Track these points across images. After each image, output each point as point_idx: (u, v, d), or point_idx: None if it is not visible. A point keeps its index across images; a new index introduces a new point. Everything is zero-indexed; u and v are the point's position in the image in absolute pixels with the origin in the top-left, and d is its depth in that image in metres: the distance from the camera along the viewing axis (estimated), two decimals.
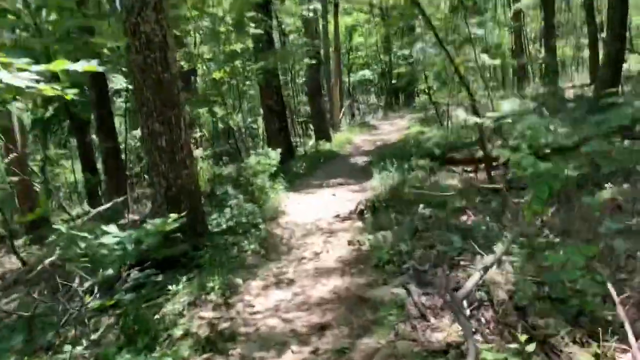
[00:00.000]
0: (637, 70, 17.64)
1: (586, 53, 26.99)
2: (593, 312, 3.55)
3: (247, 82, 13.30)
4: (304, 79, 18.23)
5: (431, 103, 16.30)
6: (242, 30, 11.89)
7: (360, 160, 13.77)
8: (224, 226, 7.50)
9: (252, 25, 11.25)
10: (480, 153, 9.96)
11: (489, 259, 4.21)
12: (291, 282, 5.30)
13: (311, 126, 20.87)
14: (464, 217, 7.13)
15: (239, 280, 5.35)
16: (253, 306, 4.75)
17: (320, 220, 7.63)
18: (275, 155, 9.37)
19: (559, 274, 3.70)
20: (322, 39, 18.05)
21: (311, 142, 18.39)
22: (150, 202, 10.09)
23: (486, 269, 3.87)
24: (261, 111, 15.80)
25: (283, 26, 16.95)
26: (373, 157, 13.64)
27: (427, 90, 32.95)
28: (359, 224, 7.25)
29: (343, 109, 21.96)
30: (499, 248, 4.52)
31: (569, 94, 16.55)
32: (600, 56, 17.58)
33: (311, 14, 16.13)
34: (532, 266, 4.15)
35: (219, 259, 6.02)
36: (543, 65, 23.59)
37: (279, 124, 13.83)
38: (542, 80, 21.26)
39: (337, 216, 7.74)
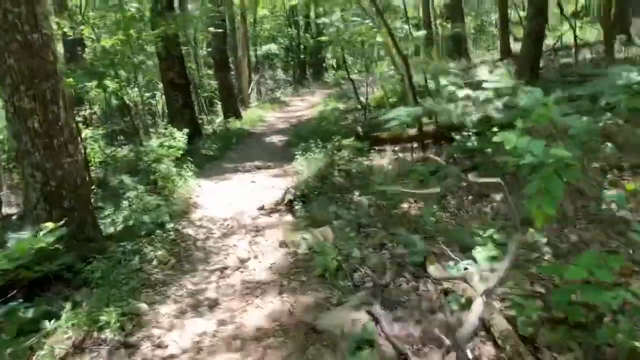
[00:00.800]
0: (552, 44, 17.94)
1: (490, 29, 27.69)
2: (622, 343, 2.74)
3: (144, 52, 11.48)
4: (208, 50, 16.55)
5: (347, 77, 15.35)
6: None
7: (277, 139, 12.59)
8: (121, 227, 6.05)
9: None
10: (411, 132, 9.22)
11: (488, 276, 3.29)
12: (214, 304, 4.08)
13: (218, 102, 19.26)
14: (405, 205, 6.28)
15: (144, 306, 4.04)
16: (165, 346, 3.50)
17: (242, 213, 6.41)
18: (181, 136, 7.94)
19: (569, 292, 2.86)
20: (227, 6, 16.41)
21: (219, 119, 16.84)
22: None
23: (489, 292, 2.93)
24: (160, 85, 14.00)
25: None
26: (290, 136, 12.52)
27: (339, 65, 32.31)
28: (289, 217, 6.13)
29: (252, 84, 20.50)
30: (493, 260, 3.63)
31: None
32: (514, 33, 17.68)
33: None
34: (531, 280, 3.30)
35: (116, 274, 4.63)
36: (450, 41, 23.64)
37: (183, 99, 12.21)
38: (452, 56, 21.20)
39: (262, 208, 6.56)
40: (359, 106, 15.39)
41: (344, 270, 4.19)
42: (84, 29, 11.35)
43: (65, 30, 12.39)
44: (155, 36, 10.87)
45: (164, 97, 13.40)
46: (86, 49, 13.37)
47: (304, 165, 8.47)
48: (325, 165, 8.16)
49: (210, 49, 16.11)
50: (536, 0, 11.14)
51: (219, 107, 19.26)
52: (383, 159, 8.75)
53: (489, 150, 6.63)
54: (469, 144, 6.81)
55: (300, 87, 25.75)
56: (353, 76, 22.03)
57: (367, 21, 9.61)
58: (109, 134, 20.29)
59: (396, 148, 9.34)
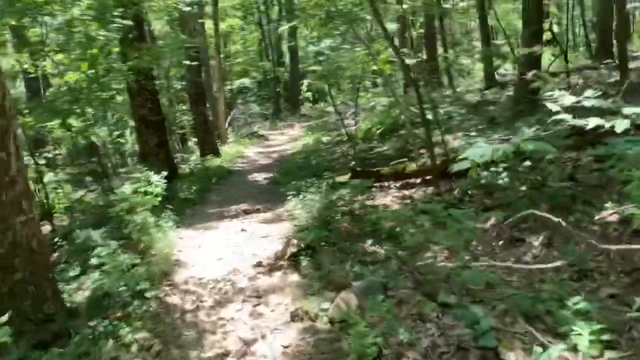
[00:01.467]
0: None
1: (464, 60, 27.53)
2: None
3: (113, 87, 10.47)
4: (182, 84, 15.62)
5: (334, 109, 14.58)
6: (104, 20, 9.15)
7: (261, 177, 11.61)
8: (90, 295, 4.95)
9: (119, 11, 8.58)
10: (413, 166, 8.37)
11: None
12: None
13: (193, 139, 18.22)
14: (429, 255, 5.36)
15: None
16: None
17: (236, 273, 5.36)
18: (158, 181, 6.90)
19: None
20: (202, 38, 15.59)
21: (195, 157, 15.78)
22: None
23: None
24: (132, 123, 12.93)
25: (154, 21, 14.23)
26: (276, 173, 11.57)
27: (315, 98, 31.72)
28: (295, 276, 5.11)
29: (229, 119, 19.56)
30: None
31: (470, 98, 15.88)
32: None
33: (188, 8, 13.70)
34: None
35: None
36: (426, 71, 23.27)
37: (157, 137, 11.16)
38: (431, 85, 20.73)
39: (260, 265, 5.53)
40: (345, 139, 14.61)
41: (386, 358, 3.20)
42: (45, 65, 10.33)
43: (25, 66, 11.34)
44: (127, 69, 9.89)
45: (134, 135, 12.31)
46: (50, 87, 12.28)
47: (300, 208, 7.50)
48: (324, 207, 7.21)
49: (184, 82, 15.18)
50: (531, 24, 10.64)
51: (194, 143, 18.27)
52: (387, 197, 7.86)
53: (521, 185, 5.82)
54: (500, 180, 5.96)
55: (277, 120, 24.95)
56: (332, 108, 21.44)
57: (358, 49, 8.86)
58: (76, 176, 18.94)
59: (397, 185, 8.48)
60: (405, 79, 10.21)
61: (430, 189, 7.82)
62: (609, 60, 14.87)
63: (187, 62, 13.39)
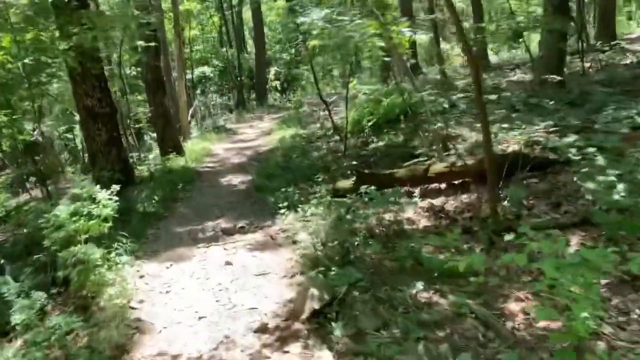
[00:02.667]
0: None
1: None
2: None
3: (49, 69, 8.30)
4: (137, 70, 13.40)
5: (319, 97, 12.76)
6: None
7: (237, 180, 9.65)
8: None
9: None
10: (437, 168, 6.63)
11: None
12: None
13: (150, 134, 16.00)
14: (514, 307, 3.66)
15: None
16: None
17: (228, 345, 3.50)
18: (108, 198, 4.92)
19: None
20: (158, 15, 13.39)
21: (153, 156, 13.63)
22: None
23: None
24: (78, 117, 10.72)
25: None
26: (254, 175, 9.65)
27: (284, 87, 29.68)
28: (326, 354, 3.30)
29: (191, 110, 17.38)
30: None
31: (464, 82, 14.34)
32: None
33: None
34: None
35: None
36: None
37: (108, 134, 9.04)
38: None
39: (264, 330, 3.67)
40: (330, 132, 12.81)
41: None
42: None
43: None
44: (66, 48, 7.76)
45: (82, 130, 10.15)
46: None
47: (301, 228, 5.67)
48: (334, 226, 5.42)
49: (140, 69, 12.99)
50: None
51: (150, 139, 16.01)
52: (409, 209, 6.12)
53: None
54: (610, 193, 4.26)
55: (244, 112, 22.85)
56: (309, 97, 19.52)
57: (357, 20, 7.03)
58: (16, 179, 16.56)
59: (416, 190, 6.75)
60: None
61: (466, 196, 6.14)
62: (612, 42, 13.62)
63: (142, 44, 11.27)
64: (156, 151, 13.35)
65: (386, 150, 9.48)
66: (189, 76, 25.15)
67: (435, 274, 4.14)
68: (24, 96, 8.49)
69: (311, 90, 20.05)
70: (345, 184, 7.15)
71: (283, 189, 7.41)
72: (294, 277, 4.48)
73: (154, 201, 7.78)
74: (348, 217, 5.57)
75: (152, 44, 11.30)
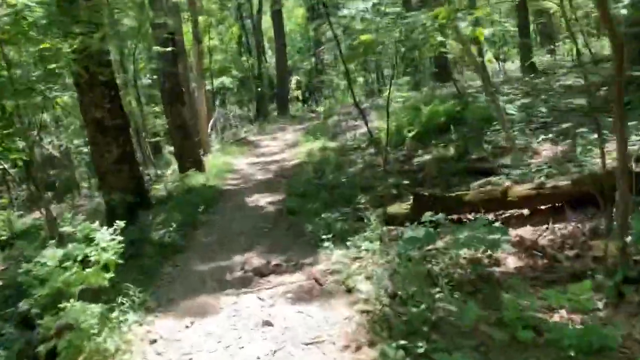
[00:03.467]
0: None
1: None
2: None
3: (54, 78, 7.24)
4: (153, 78, 12.35)
5: (354, 104, 11.59)
6: None
7: (264, 201, 8.45)
8: None
9: None
10: (523, 189, 5.34)
11: None
12: None
13: (167, 146, 14.96)
14: None
15: None
16: None
17: None
18: (109, 240, 3.75)
19: None
20: (176, 19, 12.38)
21: (171, 171, 12.55)
22: None
23: None
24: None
25: None
26: (284, 194, 8.46)
27: (305, 97, 28.60)
28: None
29: (211, 122, 16.33)
30: None
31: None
32: None
33: None
34: None
35: None
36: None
37: (119, 149, 7.95)
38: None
39: None
40: (365, 144, 11.58)
41: None
42: None
43: None
44: (69, 49, 6.68)
45: (90, 146, 9.06)
46: None
47: (358, 272, 4.44)
48: (399, 266, 4.18)
49: (156, 76, 11.94)
50: None
51: (169, 152, 14.95)
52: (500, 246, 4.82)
53: None
54: None
55: (265, 123, 21.75)
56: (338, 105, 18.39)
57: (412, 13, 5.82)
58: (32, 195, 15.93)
59: (489, 217, 5.47)
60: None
61: (561, 226, 4.84)
62: None
63: (158, 49, 10.21)
64: (174, 166, 12.27)
65: (435, 165, 8.22)
66: (208, 87, 24.24)
67: (572, 353, 2.87)
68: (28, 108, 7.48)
69: (342, 98, 18.88)
70: (399, 208, 5.90)
71: (322, 216, 6.21)
72: (359, 351, 3.24)
73: (171, 229, 6.60)
74: (415, 254, 4.34)
75: (169, 48, 10.23)
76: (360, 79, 25.65)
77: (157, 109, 13.62)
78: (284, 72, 25.71)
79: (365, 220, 5.77)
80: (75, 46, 6.63)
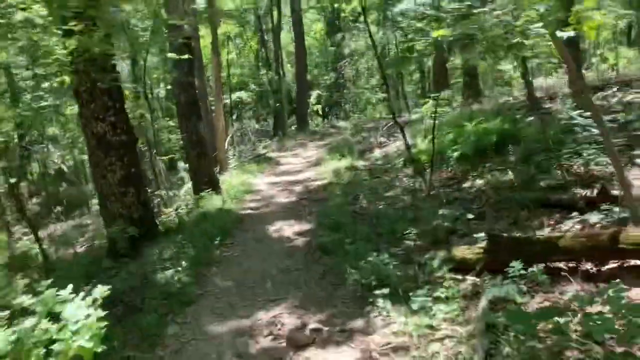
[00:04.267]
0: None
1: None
2: None
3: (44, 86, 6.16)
4: (166, 90, 11.29)
5: (392, 119, 10.43)
6: None
7: (290, 231, 7.23)
8: None
9: None
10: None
11: None
12: None
13: (182, 165, 13.87)
14: None
15: None
16: None
17: None
18: (84, 315, 2.54)
19: None
20: (192, 27, 11.34)
21: (184, 191, 11.43)
22: None
23: None
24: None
25: None
26: (316, 226, 7.23)
27: (325, 112, 27.49)
28: None
29: (228, 138, 15.24)
30: None
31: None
32: None
33: None
34: None
35: None
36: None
37: (124, 169, 6.84)
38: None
39: None
40: (400, 164, 10.34)
41: None
42: None
43: None
44: (72, 53, 5.59)
45: (90, 165, 7.94)
46: None
47: (430, 348, 3.18)
48: (494, 343, 2.92)
49: (170, 87, 10.87)
50: None
51: (184, 170, 13.86)
52: None
53: None
54: None
55: (284, 138, 20.64)
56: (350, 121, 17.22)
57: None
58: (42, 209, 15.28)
59: (595, 269, 4.18)
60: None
61: None
62: None
63: (173, 56, 9.14)
64: (188, 184, 11.13)
65: (492, 193, 6.95)
66: (225, 101, 23.29)
67: None
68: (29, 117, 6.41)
69: (371, 112, 17.72)
70: (468, 252, 4.64)
71: (368, 257, 4.97)
72: None
73: (180, 269, 5.41)
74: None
75: (185, 56, 9.15)
76: (379, 95, 24.47)
77: (172, 122, 12.54)
78: (303, 86, 24.66)
79: (427, 266, 4.54)
80: (72, 47, 5.54)
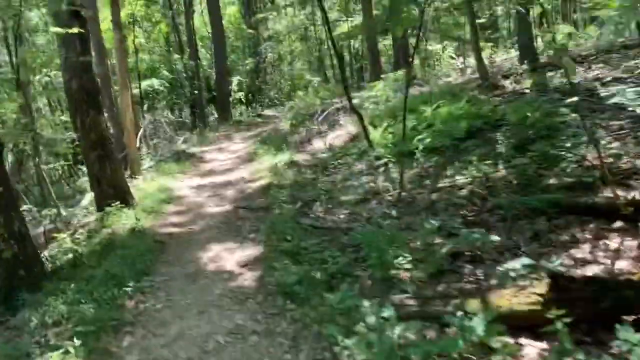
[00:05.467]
0: None
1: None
2: None
3: None
4: (49, 74, 8.89)
5: (350, 108, 8.80)
6: None
7: (231, 258, 5.38)
8: None
9: None
10: None
11: None
12: None
13: (81, 169, 11.41)
14: None
15: None
16: None
17: None
18: None
19: None
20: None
21: (84, 204, 9.15)
22: None
23: None
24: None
25: None
26: (261, 245, 5.46)
27: (249, 99, 25.33)
28: None
29: (140, 133, 12.91)
30: None
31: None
32: None
33: None
34: None
35: None
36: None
37: None
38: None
39: None
40: (354, 157, 8.72)
41: None
42: None
43: None
44: None
45: None
46: None
47: None
48: None
49: (61, 71, 8.53)
50: None
51: (82, 177, 11.39)
52: None
53: None
54: None
55: (205, 131, 18.42)
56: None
57: None
58: None
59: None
60: None
61: None
62: None
63: (59, 30, 6.91)
64: (89, 197, 8.84)
65: (486, 194, 5.52)
66: (135, 90, 20.57)
67: None
68: None
69: (310, 98, 16.00)
70: (518, 301, 3.11)
71: (349, 302, 3.33)
72: None
73: (69, 344, 3.46)
74: None
75: (75, 30, 6.93)
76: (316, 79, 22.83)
77: (63, 116, 10.10)
78: (223, 72, 22.45)
79: (465, 331, 2.95)
80: None
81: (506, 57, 14.69)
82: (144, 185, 9.39)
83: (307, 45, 26.92)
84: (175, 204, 8.44)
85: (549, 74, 9.59)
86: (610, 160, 4.98)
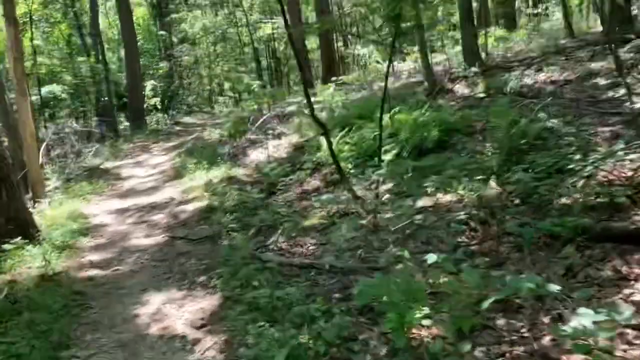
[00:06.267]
0: None
1: None
2: None
3: None
4: None
5: (308, 110, 7.72)
6: None
7: (182, 318, 4.12)
8: None
9: None
10: None
11: None
12: None
13: None
14: None
15: None
16: None
17: None
18: None
19: None
20: None
21: None
22: None
23: None
24: None
25: None
26: (224, 301, 4.26)
27: (164, 105, 23.33)
28: None
29: (43, 147, 10.98)
30: None
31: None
32: None
33: None
34: None
35: None
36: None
37: None
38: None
39: None
40: (308, 171, 7.65)
41: None
42: None
43: None
44: None
45: None
46: None
47: None
48: None
49: None
50: None
51: None
52: None
53: None
54: None
55: (118, 141, 16.51)
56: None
57: None
58: None
59: None
60: None
61: None
62: None
63: None
64: None
65: (489, 218, 4.69)
66: (34, 97, 18.17)
67: None
68: None
69: (249, 104, 14.73)
70: None
71: None
72: None
73: None
74: None
75: None
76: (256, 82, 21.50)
77: None
78: (136, 76, 20.50)
79: None
80: None
81: (439, 59, 14.31)
82: (50, 211, 7.72)
83: (228, 47, 25.45)
84: (92, 235, 6.92)
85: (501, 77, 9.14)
86: (630, 173, 4.33)
